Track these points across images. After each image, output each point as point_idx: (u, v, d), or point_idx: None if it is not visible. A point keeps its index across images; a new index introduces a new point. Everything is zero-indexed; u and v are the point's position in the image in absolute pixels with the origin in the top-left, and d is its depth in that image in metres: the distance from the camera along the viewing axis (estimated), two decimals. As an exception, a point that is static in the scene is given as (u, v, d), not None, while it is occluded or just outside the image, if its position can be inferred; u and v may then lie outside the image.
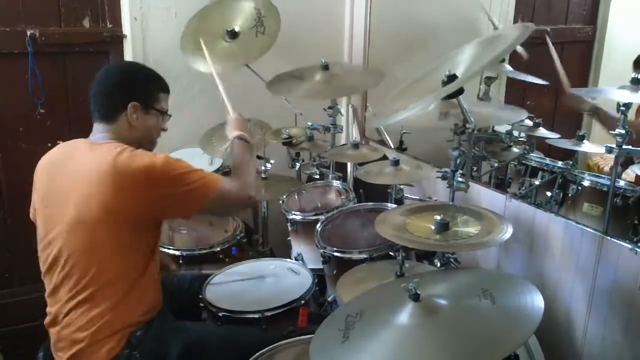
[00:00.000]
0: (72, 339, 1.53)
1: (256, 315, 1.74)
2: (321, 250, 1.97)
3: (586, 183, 2.20)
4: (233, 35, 2.44)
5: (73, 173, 1.54)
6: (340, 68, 2.43)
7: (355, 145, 2.34)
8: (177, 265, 2.05)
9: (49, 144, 1.71)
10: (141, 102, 1.62)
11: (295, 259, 2.16)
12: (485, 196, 2.11)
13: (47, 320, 1.61)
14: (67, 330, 1.54)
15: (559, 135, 2.46)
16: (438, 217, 1.55)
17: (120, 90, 1.62)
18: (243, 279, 1.96)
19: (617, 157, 1.89)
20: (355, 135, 2.90)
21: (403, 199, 2.17)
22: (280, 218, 2.34)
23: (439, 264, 1.79)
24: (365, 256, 1.88)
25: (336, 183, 2.41)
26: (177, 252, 2.11)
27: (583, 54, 3.12)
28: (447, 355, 1.11)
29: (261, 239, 2.52)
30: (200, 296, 1.86)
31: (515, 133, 2.52)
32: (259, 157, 2.45)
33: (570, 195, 2.23)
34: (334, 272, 1.95)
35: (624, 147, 1.86)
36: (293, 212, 2.21)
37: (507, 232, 1.51)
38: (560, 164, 2.37)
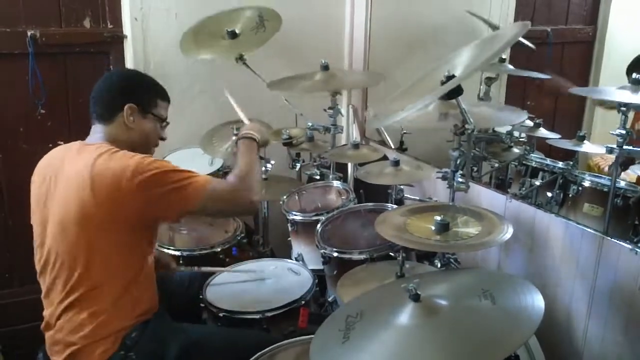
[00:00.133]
0: (65, 342, 1.53)
1: (257, 316, 1.74)
2: (321, 251, 1.97)
3: (587, 183, 2.19)
4: (233, 35, 2.45)
5: (61, 175, 1.55)
6: (340, 71, 2.45)
7: (356, 146, 2.34)
8: (177, 264, 2.04)
9: (50, 145, 1.71)
10: (139, 105, 1.62)
11: (296, 260, 2.16)
12: (485, 197, 2.10)
13: (42, 324, 1.61)
14: (60, 334, 1.54)
15: (559, 136, 2.46)
16: (438, 218, 1.55)
17: (120, 92, 1.62)
18: (244, 280, 1.96)
19: (617, 157, 1.89)
20: (355, 135, 2.90)
21: (403, 200, 2.17)
22: (281, 218, 2.34)
23: (439, 265, 1.79)
24: (365, 257, 1.88)
25: (336, 183, 2.41)
26: (177, 253, 2.10)
27: (583, 55, 3.12)
28: (448, 355, 1.11)
29: (262, 239, 2.52)
30: (201, 296, 1.86)
31: (516, 133, 2.52)
32: (259, 158, 2.46)
33: (570, 195, 2.23)
34: (335, 272, 1.95)
35: (624, 147, 1.86)
36: (293, 213, 2.21)
37: (508, 232, 1.51)
38: (560, 164, 2.37)
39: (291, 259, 2.18)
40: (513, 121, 2.15)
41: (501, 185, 2.54)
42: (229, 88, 2.09)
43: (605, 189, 2.10)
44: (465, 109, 1.55)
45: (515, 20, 2.91)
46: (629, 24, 2.94)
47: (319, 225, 2.08)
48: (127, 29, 2.53)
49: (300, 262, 2.13)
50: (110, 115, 1.60)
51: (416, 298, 1.19)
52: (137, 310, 1.57)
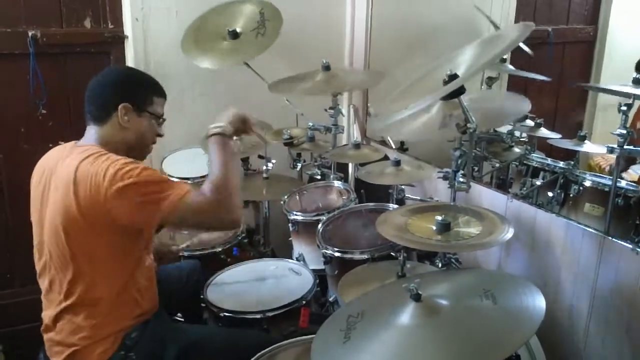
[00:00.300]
0: (65, 344, 1.53)
1: (257, 316, 1.74)
2: (323, 251, 1.97)
3: (587, 183, 2.19)
4: (234, 35, 2.45)
5: (54, 176, 1.53)
6: (342, 71, 2.44)
7: (357, 146, 2.34)
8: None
9: (50, 145, 1.70)
10: (133, 104, 1.58)
11: (297, 260, 2.16)
12: (486, 196, 2.10)
13: (42, 327, 1.61)
14: (60, 336, 1.54)
15: (560, 136, 2.46)
16: (439, 218, 1.55)
17: (113, 91, 1.59)
18: (244, 280, 1.96)
19: (618, 157, 1.89)
20: (356, 135, 2.90)
21: (404, 200, 2.17)
22: (282, 218, 2.34)
23: (440, 265, 1.79)
24: (366, 256, 1.88)
25: (337, 183, 2.41)
26: (178, 252, 2.10)
27: (584, 54, 3.11)
28: (449, 355, 1.11)
29: (262, 239, 2.52)
30: (202, 296, 1.86)
31: (517, 133, 2.52)
32: (260, 157, 2.46)
33: (571, 195, 2.23)
34: (336, 272, 1.95)
35: (625, 147, 1.86)
36: (294, 213, 2.21)
37: (509, 232, 1.51)
38: (561, 164, 2.37)
39: (292, 259, 2.18)
40: (519, 109, 2.10)
41: (502, 185, 2.54)
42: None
43: (606, 189, 2.10)
44: (466, 107, 1.54)
45: (516, 19, 2.90)
46: (629, 24, 2.94)
47: (320, 225, 2.07)
48: (127, 29, 2.53)
49: (301, 262, 2.13)
50: (105, 115, 1.57)
51: (417, 298, 1.19)
52: (136, 311, 1.57)
